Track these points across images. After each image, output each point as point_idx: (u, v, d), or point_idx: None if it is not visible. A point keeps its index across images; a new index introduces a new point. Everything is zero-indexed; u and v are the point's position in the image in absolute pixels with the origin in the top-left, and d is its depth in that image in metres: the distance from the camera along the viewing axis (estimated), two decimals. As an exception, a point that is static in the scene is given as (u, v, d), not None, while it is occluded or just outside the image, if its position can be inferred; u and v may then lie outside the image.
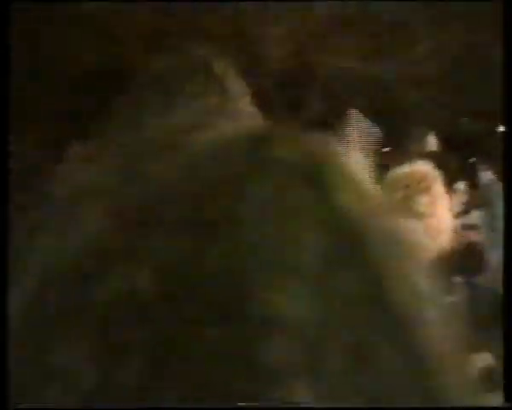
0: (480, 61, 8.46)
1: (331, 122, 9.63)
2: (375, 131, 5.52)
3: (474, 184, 3.65)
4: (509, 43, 2.12)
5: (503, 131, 9.65)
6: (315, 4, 7.91)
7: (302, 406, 0.31)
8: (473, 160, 7.49)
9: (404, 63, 8.35)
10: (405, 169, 1.94)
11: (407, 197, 1.88)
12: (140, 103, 0.86)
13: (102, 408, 0.30)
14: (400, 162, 2.89)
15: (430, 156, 3.01)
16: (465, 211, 3.59)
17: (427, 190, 1.89)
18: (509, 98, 2.04)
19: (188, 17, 8.02)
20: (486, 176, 4.32)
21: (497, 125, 9.32)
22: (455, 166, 3.10)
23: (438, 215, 1.89)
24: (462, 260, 2.64)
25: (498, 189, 4.13)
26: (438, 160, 3.51)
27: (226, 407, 0.30)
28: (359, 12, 8.01)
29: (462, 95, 8.70)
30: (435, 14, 8.03)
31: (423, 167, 1.98)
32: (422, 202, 1.88)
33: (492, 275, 3.37)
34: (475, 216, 3.50)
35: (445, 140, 3.66)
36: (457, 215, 3.33)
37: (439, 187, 1.91)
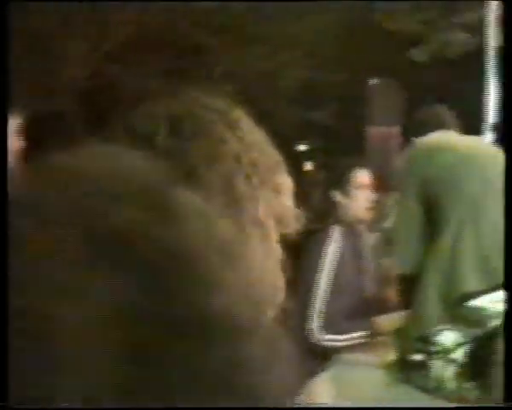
0: (279, 87, 8.83)
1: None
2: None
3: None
4: (509, 43, 2.16)
5: (302, 151, 10.06)
6: (120, 24, 7.82)
7: (302, 406, 0.31)
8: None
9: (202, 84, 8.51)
10: None
11: None
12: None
13: (102, 408, 0.31)
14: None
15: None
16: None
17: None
18: (508, 98, 2.08)
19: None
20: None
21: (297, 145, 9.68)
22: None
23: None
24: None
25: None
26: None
27: (226, 406, 0.32)
28: (160, 32, 8.04)
29: (265, 120, 9.04)
30: (230, 38, 8.28)
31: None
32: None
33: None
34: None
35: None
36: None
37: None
